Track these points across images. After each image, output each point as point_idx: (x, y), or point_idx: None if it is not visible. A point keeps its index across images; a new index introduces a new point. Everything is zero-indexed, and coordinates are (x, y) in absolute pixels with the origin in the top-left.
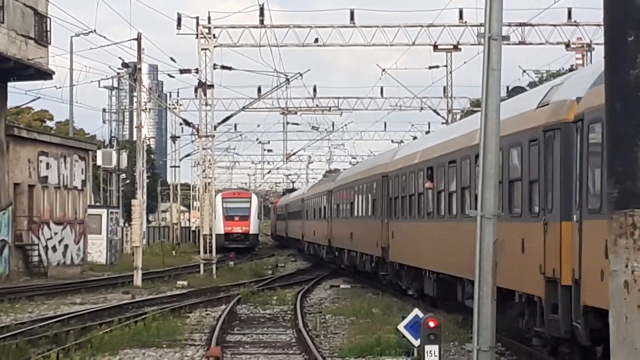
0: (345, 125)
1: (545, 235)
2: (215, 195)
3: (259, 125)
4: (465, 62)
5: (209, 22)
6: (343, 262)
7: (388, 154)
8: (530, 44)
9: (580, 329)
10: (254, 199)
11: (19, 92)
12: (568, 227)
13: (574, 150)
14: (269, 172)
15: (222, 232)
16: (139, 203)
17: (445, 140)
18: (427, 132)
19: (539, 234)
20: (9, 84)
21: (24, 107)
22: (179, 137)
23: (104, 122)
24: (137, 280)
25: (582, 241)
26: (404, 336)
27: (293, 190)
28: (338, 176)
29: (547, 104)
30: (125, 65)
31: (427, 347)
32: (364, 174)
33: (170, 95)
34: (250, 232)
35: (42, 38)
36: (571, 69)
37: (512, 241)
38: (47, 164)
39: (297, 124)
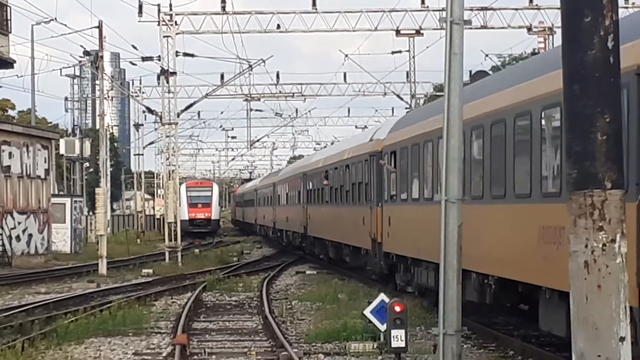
0: (309, 111)
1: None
2: (180, 185)
3: (222, 112)
4: (427, 47)
5: (171, 9)
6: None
7: (307, 158)
8: (492, 28)
9: None
10: (215, 188)
11: None
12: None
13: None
14: (233, 159)
15: (187, 218)
16: (103, 191)
17: (333, 153)
18: (392, 116)
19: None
20: None
21: None
22: (142, 125)
23: (66, 110)
24: (102, 268)
25: None
26: (370, 321)
27: (249, 180)
28: (262, 178)
29: (372, 140)
30: (87, 53)
31: (394, 332)
32: (288, 174)
33: (133, 83)
34: (212, 217)
35: (2, 27)
36: (533, 53)
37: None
38: (10, 153)
39: (260, 111)
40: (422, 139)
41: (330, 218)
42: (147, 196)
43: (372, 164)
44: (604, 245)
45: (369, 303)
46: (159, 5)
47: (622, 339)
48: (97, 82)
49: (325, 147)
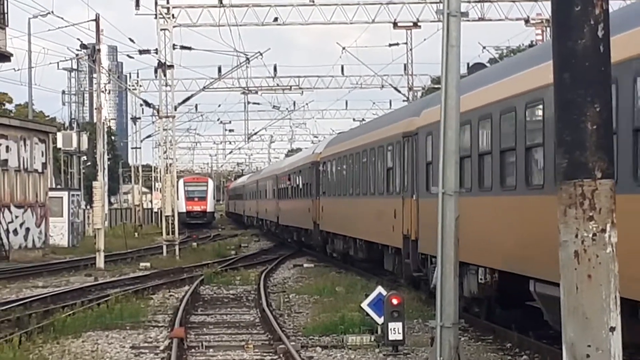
0: (307, 104)
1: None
2: (178, 180)
3: (219, 105)
4: (425, 39)
5: (168, 2)
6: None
7: (278, 162)
8: (490, 20)
9: None
10: (210, 183)
11: None
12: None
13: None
14: (230, 152)
15: (184, 210)
16: (100, 185)
17: (294, 160)
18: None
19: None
20: None
21: None
22: (139, 118)
23: (63, 104)
24: (100, 262)
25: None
26: (367, 314)
27: (241, 176)
28: (248, 175)
29: (313, 153)
30: (84, 46)
31: (391, 325)
32: (266, 174)
33: (130, 76)
34: (208, 210)
35: None
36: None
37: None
38: (7, 147)
39: (258, 104)
40: (347, 154)
41: (291, 208)
42: (144, 189)
43: (312, 170)
44: (594, 235)
45: (367, 296)
46: None
47: (612, 329)
48: (95, 75)
49: (306, 148)
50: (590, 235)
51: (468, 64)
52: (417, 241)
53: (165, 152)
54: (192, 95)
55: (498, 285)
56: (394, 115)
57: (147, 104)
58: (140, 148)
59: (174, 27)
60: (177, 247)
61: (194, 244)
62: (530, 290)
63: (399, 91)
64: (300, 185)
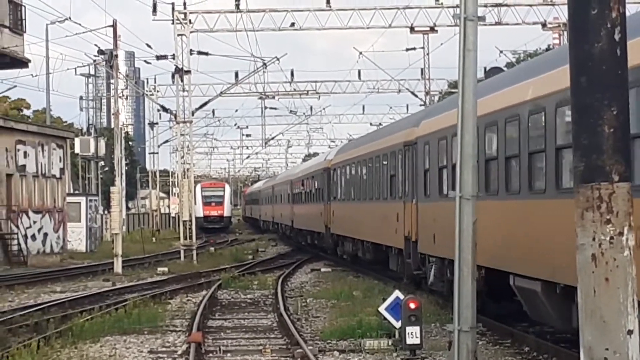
0: (324, 108)
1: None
2: (195, 185)
3: (236, 111)
4: (442, 44)
5: (185, 8)
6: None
7: (293, 169)
8: (507, 24)
9: None
10: (227, 188)
11: None
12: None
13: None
14: (248, 157)
15: (202, 215)
16: (118, 190)
17: (306, 167)
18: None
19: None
20: None
21: (0, 96)
22: (157, 123)
23: (81, 109)
24: (118, 267)
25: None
26: (385, 318)
27: (257, 181)
28: (264, 181)
29: (325, 160)
30: (101, 52)
31: (408, 329)
32: (281, 179)
33: (148, 82)
34: (224, 214)
35: (17, 26)
36: (548, 49)
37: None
38: (25, 152)
39: (275, 109)
40: (355, 161)
41: (305, 213)
42: (162, 195)
43: (323, 176)
44: (611, 238)
45: (384, 300)
46: (173, 3)
47: (630, 332)
48: (112, 81)
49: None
50: (608, 239)
51: (485, 68)
52: (417, 242)
53: (182, 157)
54: (209, 101)
55: (484, 280)
56: (396, 126)
57: (165, 110)
58: (157, 153)
59: (191, 32)
60: (194, 252)
61: (212, 248)
62: (510, 284)
63: (416, 95)
64: (313, 191)
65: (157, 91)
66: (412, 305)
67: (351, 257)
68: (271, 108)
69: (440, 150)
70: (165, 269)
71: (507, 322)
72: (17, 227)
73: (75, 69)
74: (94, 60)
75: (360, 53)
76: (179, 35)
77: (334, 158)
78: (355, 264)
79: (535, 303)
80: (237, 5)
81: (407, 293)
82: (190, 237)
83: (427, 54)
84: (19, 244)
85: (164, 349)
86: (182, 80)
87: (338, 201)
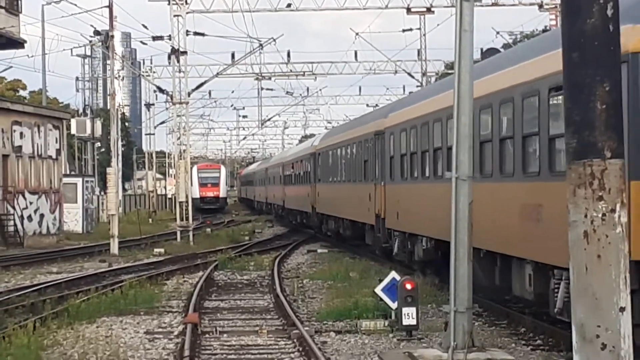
0: (320, 90)
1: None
2: (191, 167)
3: (233, 92)
4: (438, 25)
5: None
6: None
7: (283, 152)
8: (504, 5)
9: None
10: (223, 170)
11: None
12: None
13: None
14: (244, 139)
15: (198, 196)
16: (114, 171)
17: (296, 151)
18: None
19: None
20: None
21: None
22: (153, 104)
23: (77, 90)
24: (114, 248)
25: None
26: (381, 299)
27: (251, 163)
28: (258, 163)
29: (312, 145)
30: (97, 33)
31: (405, 310)
32: (274, 162)
33: (144, 63)
34: (220, 195)
35: (12, 7)
36: (544, 30)
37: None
38: (21, 133)
39: (271, 90)
40: (336, 147)
41: (295, 194)
42: (158, 176)
43: (310, 160)
44: (603, 215)
45: (380, 281)
46: None
47: (622, 309)
48: (108, 62)
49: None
50: (600, 215)
51: (482, 49)
52: (385, 219)
53: (179, 138)
54: (205, 82)
55: (434, 249)
56: (370, 116)
57: (161, 91)
58: (154, 134)
59: (187, 13)
60: (191, 233)
61: (208, 229)
62: None
63: (413, 77)
64: (302, 173)
65: (154, 72)
66: (409, 286)
67: (334, 233)
68: (267, 89)
69: (402, 140)
70: (162, 250)
71: (503, 303)
72: (14, 208)
73: (72, 49)
74: (90, 41)
75: (357, 34)
76: (175, 16)
77: (320, 143)
78: (338, 240)
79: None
80: None
81: (381, 265)
82: (187, 218)
83: (424, 35)
84: (15, 225)
85: (160, 330)
86: (178, 61)
87: (322, 183)
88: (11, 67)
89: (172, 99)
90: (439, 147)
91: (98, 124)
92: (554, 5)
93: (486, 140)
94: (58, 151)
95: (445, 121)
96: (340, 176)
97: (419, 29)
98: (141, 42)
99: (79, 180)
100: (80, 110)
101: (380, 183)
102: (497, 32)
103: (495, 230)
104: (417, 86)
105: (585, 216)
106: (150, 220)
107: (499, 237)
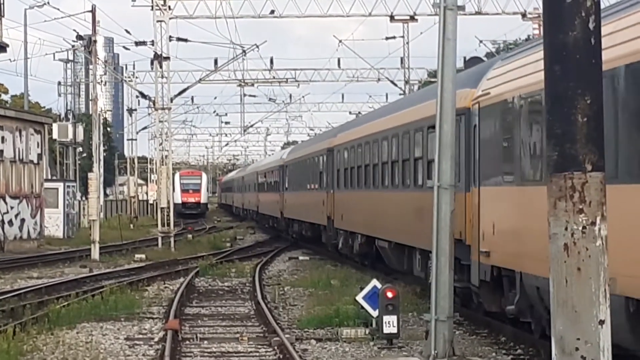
0: (303, 96)
1: None
2: (174, 174)
3: (215, 98)
4: (421, 33)
5: None
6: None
7: (260, 161)
8: (487, 14)
9: None
10: (204, 176)
11: None
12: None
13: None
14: (226, 145)
15: (180, 201)
16: (96, 176)
17: (269, 161)
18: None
19: None
20: None
21: None
22: (135, 110)
23: (59, 95)
24: (95, 253)
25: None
26: (362, 307)
27: (231, 171)
28: (236, 171)
29: (281, 158)
30: (80, 37)
31: (386, 318)
32: (251, 170)
33: (127, 68)
34: (201, 201)
35: None
36: (527, 39)
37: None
38: (2, 137)
39: (254, 96)
40: (298, 160)
41: (267, 200)
42: (140, 181)
43: (280, 170)
44: (584, 227)
45: (361, 289)
46: None
47: (601, 322)
48: (91, 66)
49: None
50: (580, 228)
51: (465, 57)
52: (334, 220)
53: (161, 144)
54: (188, 87)
55: (367, 244)
56: (327, 134)
57: (143, 96)
58: (136, 140)
59: (170, 18)
60: (172, 239)
61: (190, 236)
62: (376, 246)
63: (396, 84)
64: (273, 182)
65: (136, 77)
66: (390, 295)
67: (298, 235)
68: (250, 95)
69: (345, 156)
70: (143, 255)
71: (484, 312)
72: None
73: (54, 54)
74: (73, 46)
75: (340, 41)
76: (158, 21)
77: (287, 156)
78: (302, 241)
79: (387, 254)
80: None
81: (362, 273)
82: (168, 224)
83: (407, 42)
84: None
85: (140, 336)
86: (161, 67)
87: (289, 191)
88: None
89: (154, 104)
90: (375, 163)
91: (80, 128)
92: (537, 15)
93: (395, 161)
94: (39, 156)
95: (381, 141)
96: (301, 185)
97: (402, 36)
98: (124, 47)
99: (60, 185)
100: (62, 115)
101: (330, 191)
102: (480, 41)
103: (401, 227)
104: (400, 94)
105: (566, 229)
106: (131, 225)
107: (402, 231)
